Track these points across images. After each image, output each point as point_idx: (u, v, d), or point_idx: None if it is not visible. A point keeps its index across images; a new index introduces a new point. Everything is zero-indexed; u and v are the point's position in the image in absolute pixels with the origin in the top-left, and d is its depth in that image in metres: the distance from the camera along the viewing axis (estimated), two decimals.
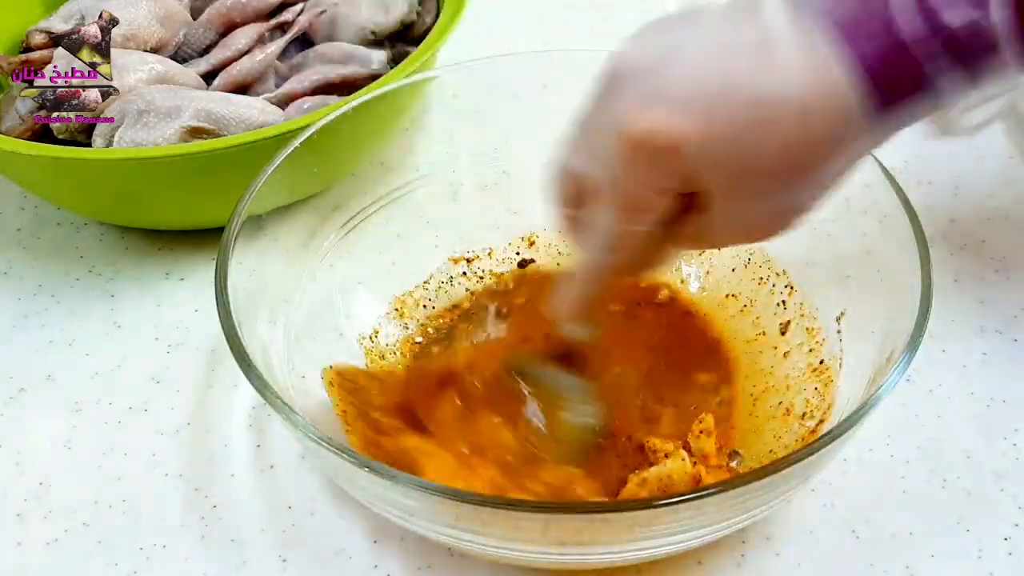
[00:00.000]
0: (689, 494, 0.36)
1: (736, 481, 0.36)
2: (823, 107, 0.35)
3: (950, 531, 0.47)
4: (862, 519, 0.48)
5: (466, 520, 0.39)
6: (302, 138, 0.52)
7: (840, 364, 0.48)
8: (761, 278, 0.55)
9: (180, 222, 0.64)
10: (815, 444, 0.38)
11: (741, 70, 0.35)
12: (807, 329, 0.52)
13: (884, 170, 0.48)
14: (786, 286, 0.54)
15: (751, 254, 0.56)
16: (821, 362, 0.50)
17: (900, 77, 0.34)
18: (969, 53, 0.34)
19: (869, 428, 0.51)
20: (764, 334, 0.54)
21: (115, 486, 0.51)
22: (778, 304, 0.54)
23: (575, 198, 0.43)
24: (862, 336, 0.47)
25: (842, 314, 0.50)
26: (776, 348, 0.53)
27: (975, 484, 0.49)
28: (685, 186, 0.38)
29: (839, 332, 0.49)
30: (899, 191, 0.47)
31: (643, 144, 0.36)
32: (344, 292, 0.55)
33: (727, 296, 0.56)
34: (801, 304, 0.53)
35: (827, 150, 0.36)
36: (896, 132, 0.36)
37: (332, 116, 0.54)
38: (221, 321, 0.43)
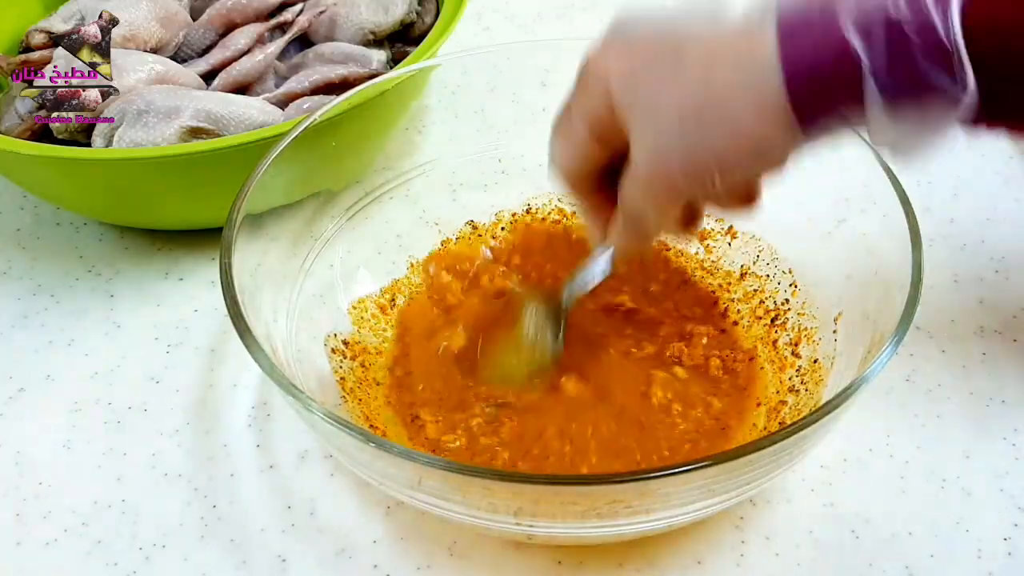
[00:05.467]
0: (676, 468, 0.37)
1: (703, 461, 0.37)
2: (752, 101, 0.36)
3: (950, 531, 0.47)
4: (862, 519, 0.48)
5: (441, 483, 0.40)
6: (300, 129, 0.53)
7: (832, 363, 0.48)
8: (768, 275, 0.56)
9: (180, 222, 0.64)
10: (798, 423, 0.38)
11: (687, 34, 0.38)
12: (803, 328, 0.52)
13: (885, 169, 0.48)
14: (791, 284, 0.54)
15: (760, 252, 0.56)
16: (815, 361, 0.50)
17: (831, 84, 0.34)
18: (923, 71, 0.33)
19: (869, 428, 0.51)
20: (766, 330, 0.54)
21: (115, 486, 0.51)
22: (781, 303, 0.54)
23: None
24: (857, 335, 0.47)
25: (840, 314, 0.50)
26: (772, 347, 0.53)
27: (975, 484, 0.49)
28: (609, 118, 0.40)
29: (835, 332, 0.49)
30: (899, 191, 0.47)
31: (585, 67, 0.41)
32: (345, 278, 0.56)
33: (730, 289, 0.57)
34: (803, 303, 0.53)
35: (748, 144, 0.37)
36: (824, 139, 0.37)
37: (331, 106, 0.54)
38: (225, 296, 0.44)
